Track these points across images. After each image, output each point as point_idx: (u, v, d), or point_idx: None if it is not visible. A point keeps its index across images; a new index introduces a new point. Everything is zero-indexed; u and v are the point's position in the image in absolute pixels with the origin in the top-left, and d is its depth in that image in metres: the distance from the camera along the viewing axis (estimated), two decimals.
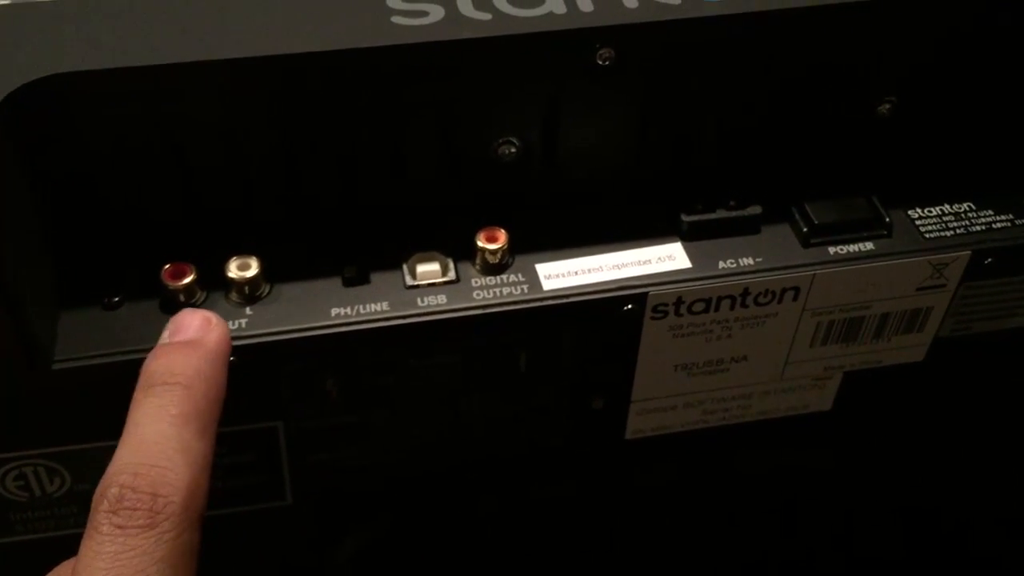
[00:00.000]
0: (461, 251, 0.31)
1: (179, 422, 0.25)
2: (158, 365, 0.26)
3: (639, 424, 0.35)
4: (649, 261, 0.32)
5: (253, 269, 0.30)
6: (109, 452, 0.25)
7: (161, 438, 0.25)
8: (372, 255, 0.31)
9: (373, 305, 0.30)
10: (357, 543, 0.37)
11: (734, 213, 0.32)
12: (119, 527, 0.23)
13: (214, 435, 0.26)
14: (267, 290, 0.30)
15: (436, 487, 0.36)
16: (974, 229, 0.33)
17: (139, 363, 0.28)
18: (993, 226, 0.33)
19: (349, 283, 0.30)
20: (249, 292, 0.30)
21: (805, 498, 0.40)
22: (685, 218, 0.32)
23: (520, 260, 0.31)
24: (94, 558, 0.23)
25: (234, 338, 0.29)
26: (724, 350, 0.33)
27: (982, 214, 0.33)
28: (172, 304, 0.29)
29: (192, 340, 0.27)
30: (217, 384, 0.27)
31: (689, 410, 0.35)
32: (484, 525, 0.38)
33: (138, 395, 0.26)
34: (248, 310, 0.30)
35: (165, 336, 0.28)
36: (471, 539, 0.38)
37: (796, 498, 0.40)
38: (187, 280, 0.29)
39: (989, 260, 0.32)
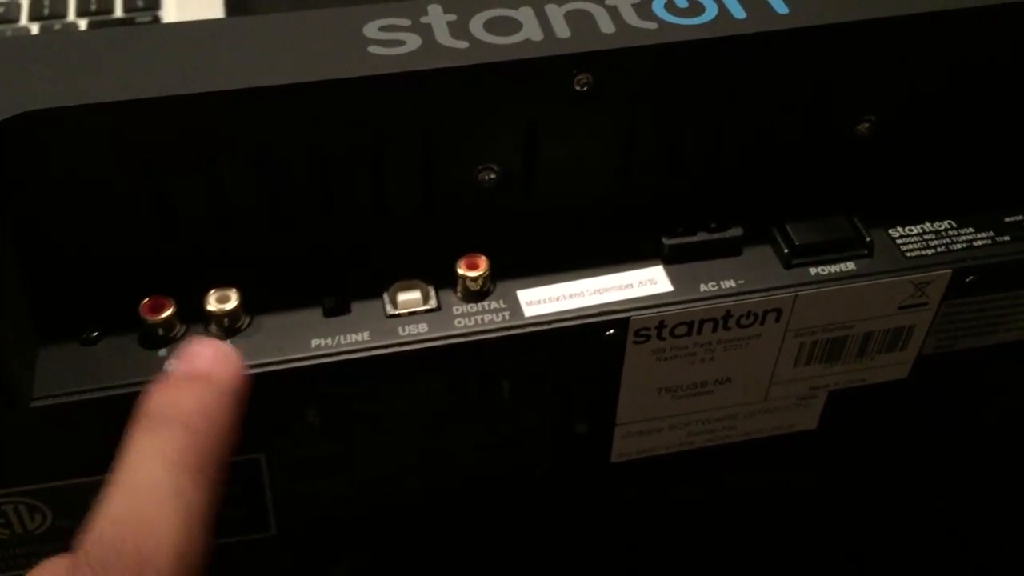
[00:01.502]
0: (442, 279, 0.31)
1: (176, 468, 0.23)
2: (160, 399, 0.24)
3: (624, 447, 0.35)
4: (631, 285, 0.32)
5: (232, 301, 0.29)
6: (90, 488, 0.23)
7: (154, 484, 0.22)
8: (353, 285, 0.31)
9: (354, 335, 0.30)
10: (343, 572, 0.37)
11: (715, 235, 0.32)
12: None
13: (216, 484, 0.23)
14: (247, 322, 0.30)
15: (421, 515, 0.35)
16: (955, 247, 0.33)
17: (119, 400, 0.27)
18: (974, 244, 0.33)
19: (330, 313, 0.30)
20: (229, 324, 0.29)
21: (792, 517, 0.40)
22: (666, 241, 0.32)
23: (502, 286, 0.31)
24: None
25: None
26: (708, 372, 0.33)
27: (963, 232, 0.33)
28: (151, 339, 0.29)
29: (201, 373, 0.25)
30: (224, 426, 0.24)
31: (674, 432, 0.35)
32: (470, 551, 0.38)
33: (134, 431, 0.24)
34: (228, 343, 0.29)
35: (172, 366, 0.25)
36: (458, 566, 0.38)
37: (783, 517, 0.39)
38: (166, 314, 0.29)
39: (970, 278, 0.32)
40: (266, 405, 0.30)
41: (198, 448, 0.23)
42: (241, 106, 0.27)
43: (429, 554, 0.38)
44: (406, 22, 0.30)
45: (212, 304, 0.29)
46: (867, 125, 0.33)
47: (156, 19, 0.57)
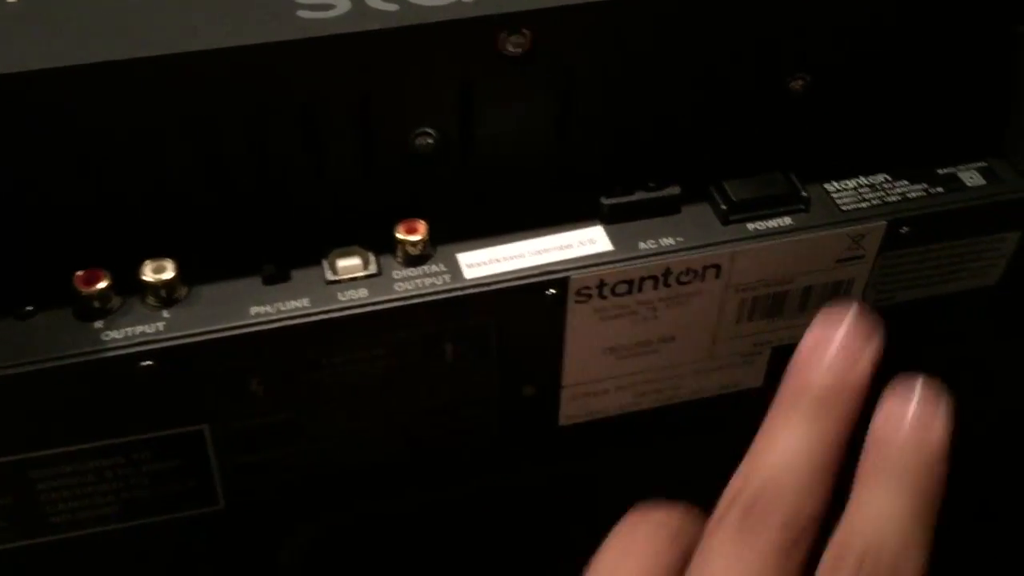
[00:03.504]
0: (383, 244, 0.31)
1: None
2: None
3: (572, 410, 0.35)
4: (571, 245, 0.32)
5: (169, 272, 0.29)
6: (28, 464, 0.24)
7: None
8: (293, 252, 0.31)
9: (293, 302, 0.30)
10: (297, 544, 0.37)
11: (653, 194, 0.33)
12: None
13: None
14: (185, 292, 0.30)
15: (374, 483, 0.35)
16: (889, 199, 0.33)
17: (56, 372, 0.27)
18: (908, 196, 0.33)
19: (269, 281, 0.30)
20: (166, 295, 0.29)
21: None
22: (605, 201, 0.32)
23: (442, 250, 0.31)
24: None
25: (152, 342, 0.28)
26: (651, 331, 0.33)
27: (897, 185, 0.34)
28: (87, 311, 0.29)
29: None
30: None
31: (621, 393, 0.35)
32: (423, 518, 0.38)
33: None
34: (165, 313, 0.29)
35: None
36: (410, 532, 0.38)
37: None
38: (101, 285, 0.29)
39: (905, 229, 0.33)
40: (207, 375, 0.30)
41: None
42: (167, 72, 0.27)
43: (384, 523, 0.38)
44: None
45: (148, 275, 0.29)
46: (801, 83, 0.33)
47: None
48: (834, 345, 0.26)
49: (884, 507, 0.25)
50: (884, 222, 0.33)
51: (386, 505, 0.37)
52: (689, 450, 0.39)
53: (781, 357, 0.36)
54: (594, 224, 0.32)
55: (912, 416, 0.26)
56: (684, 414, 0.37)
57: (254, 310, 0.29)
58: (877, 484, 0.25)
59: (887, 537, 0.24)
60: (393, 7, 0.29)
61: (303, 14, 0.28)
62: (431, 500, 0.37)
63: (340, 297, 0.30)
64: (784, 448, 0.25)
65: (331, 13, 0.28)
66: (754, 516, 0.24)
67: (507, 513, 0.39)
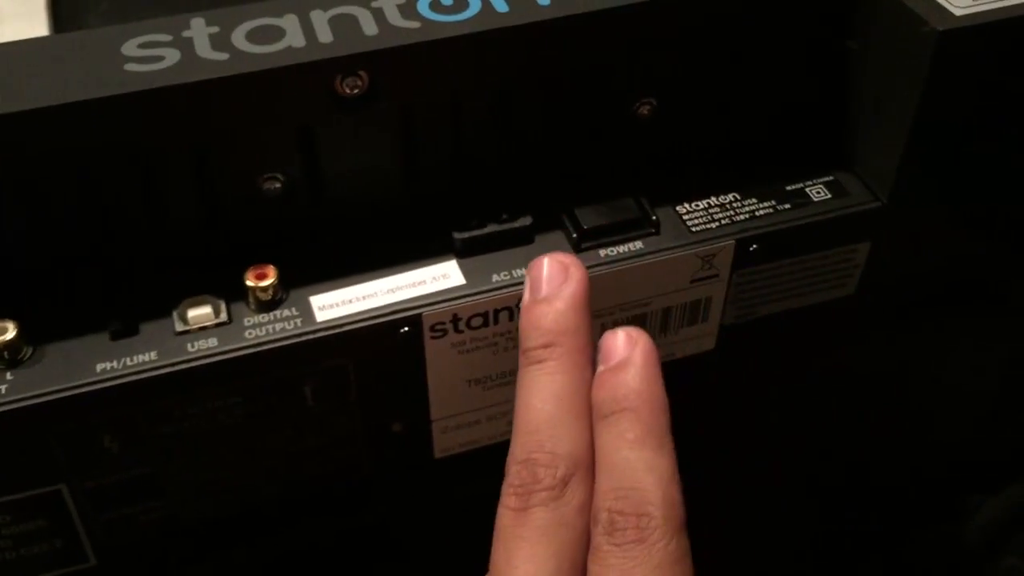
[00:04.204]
0: (235, 292, 0.31)
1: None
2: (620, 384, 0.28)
3: (445, 443, 0.35)
4: (424, 282, 0.32)
5: (10, 332, 0.29)
6: None
7: (626, 464, 0.27)
8: (142, 305, 0.31)
9: (141, 356, 0.29)
10: None
11: (505, 226, 0.33)
12: (616, 545, 0.26)
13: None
14: (29, 352, 0.29)
15: (248, 525, 0.35)
16: (738, 218, 0.34)
17: None
18: (756, 214, 0.34)
19: (116, 336, 0.30)
20: (8, 356, 0.29)
21: None
22: (457, 236, 0.33)
23: (295, 294, 0.31)
24: (602, 572, 0.26)
25: None
26: (514, 361, 0.34)
27: (746, 203, 0.34)
28: None
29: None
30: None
31: (494, 423, 0.36)
32: (305, 558, 0.38)
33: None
34: (9, 375, 0.29)
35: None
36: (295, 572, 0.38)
37: None
38: None
39: (754, 246, 0.34)
40: (58, 434, 0.30)
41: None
42: None
43: (264, 565, 0.37)
44: (167, 37, 0.29)
45: None
46: (648, 107, 0.34)
47: None
48: (528, 303, 0.29)
49: (611, 449, 0.27)
50: (733, 241, 0.33)
51: (265, 547, 0.36)
52: None
53: None
54: (448, 259, 0.33)
55: (607, 353, 0.29)
56: None
57: (100, 366, 0.29)
58: (602, 429, 0.28)
59: (622, 477, 0.27)
60: (223, 56, 0.29)
61: (131, 67, 0.28)
62: (309, 542, 0.37)
63: (189, 348, 0.30)
64: (531, 405, 0.28)
65: (159, 65, 0.28)
66: (521, 484, 0.27)
67: (389, 547, 0.39)
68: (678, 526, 0.26)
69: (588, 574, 0.26)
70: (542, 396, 0.28)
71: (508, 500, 0.27)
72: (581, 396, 0.28)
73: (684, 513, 0.27)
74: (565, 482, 0.27)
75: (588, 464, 0.27)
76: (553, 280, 0.29)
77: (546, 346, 0.28)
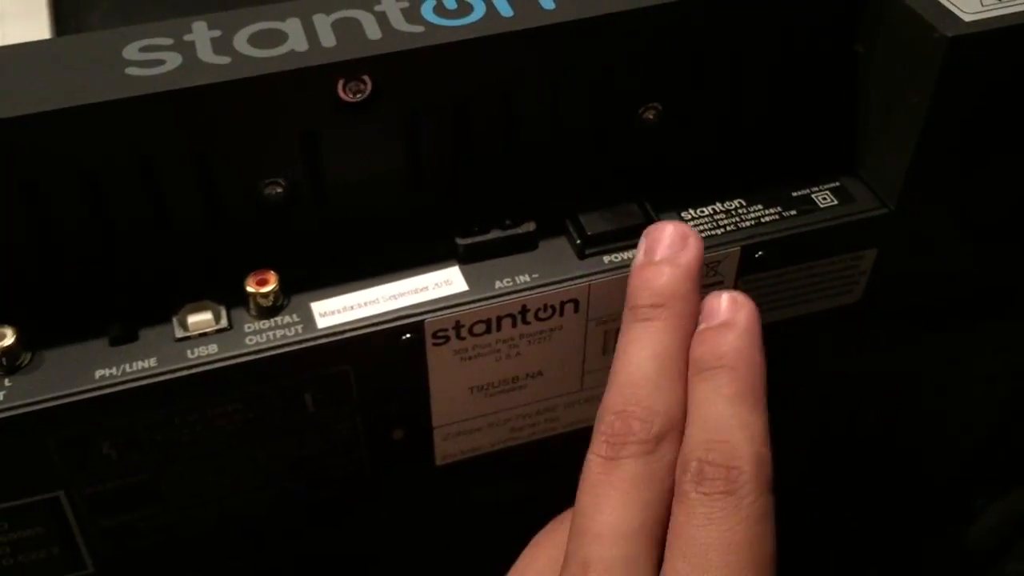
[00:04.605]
0: (237, 298, 0.31)
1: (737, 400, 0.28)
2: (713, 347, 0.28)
3: (447, 449, 0.35)
4: (426, 288, 0.32)
5: (9, 338, 0.29)
6: None
7: (720, 417, 0.27)
8: (141, 311, 0.30)
9: (140, 362, 0.29)
10: None
11: (509, 232, 0.33)
12: (704, 494, 0.26)
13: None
14: (28, 358, 0.29)
15: (249, 535, 0.35)
16: (744, 225, 0.34)
17: None
18: (762, 220, 0.34)
19: (116, 342, 0.30)
20: (7, 363, 0.29)
21: None
22: (460, 242, 0.32)
23: (296, 300, 0.31)
24: (687, 520, 0.26)
25: None
26: (517, 367, 0.33)
27: (752, 210, 0.34)
28: None
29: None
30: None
31: (495, 430, 0.35)
32: (309, 567, 0.38)
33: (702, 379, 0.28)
34: (7, 381, 0.29)
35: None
36: None
37: None
38: None
39: (760, 253, 0.33)
40: (57, 441, 0.29)
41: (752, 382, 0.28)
42: None
43: (265, 573, 0.37)
44: (168, 41, 0.29)
45: None
46: (653, 113, 0.34)
47: None
48: (643, 263, 0.30)
49: (706, 403, 0.28)
50: (738, 248, 0.33)
51: (266, 556, 0.36)
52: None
53: None
54: (451, 265, 0.32)
55: (711, 313, 0.29)
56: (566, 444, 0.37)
57: (99, 373, 0.29)
58: (698, 383, 0.28)
59: (716, 429, 0.27)
60: (225, 60, 0.28)
61: (132, 71, 0.28)
62: (309, 551, 0.36)
63: (189, 355, 0.29)
64: (633, 359, 0.29)
65: (161, 69, 0.28)
66: (615, 434, 0.28)
67: (390, 554, 0.38)
68: (766, 485, 0.27)
69: (672, 521, 0.27)
70: (645, 353, 0.29)
71: (599, 448, 0.28)
72: (683, 359, 0.29)
73: (772, 474, 0.27)
74: (659, 439, 0.27)
75: (680, 426, 0.28)
76: (673, 245, 0.30)
77: (655, 306, 0.29)
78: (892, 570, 0.55)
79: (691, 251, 0.30)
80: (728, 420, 0.27)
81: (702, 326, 0.29)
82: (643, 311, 0.29)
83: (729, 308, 0.29)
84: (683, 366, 0.29)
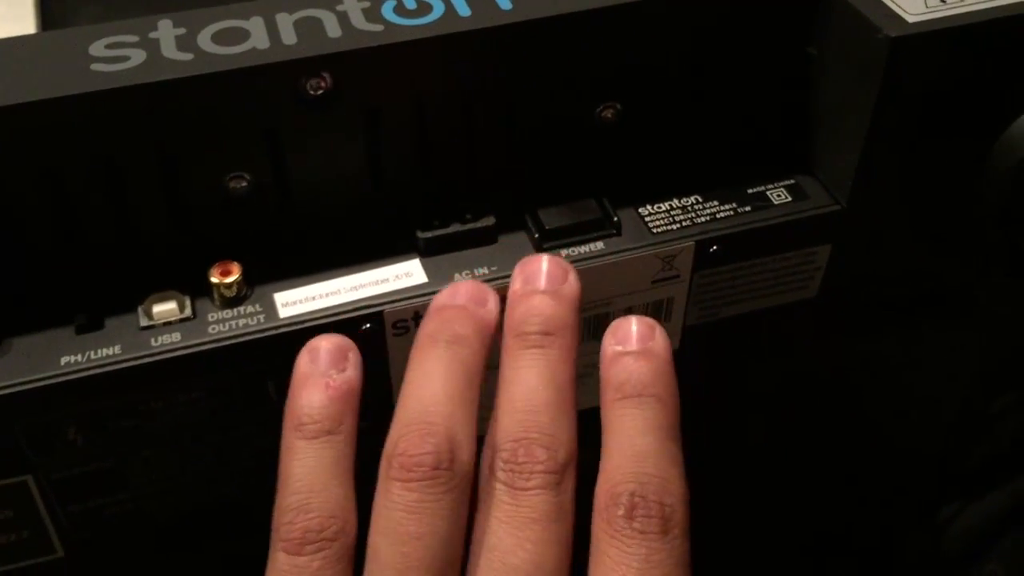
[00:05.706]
0: (200, 288, 0.32)
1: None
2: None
3: None
4: (387, 280, 0.32)
5: None
6: None
7: (651, 450, 0.26)
8: (107, 300, 0.31)
9: (105, 350, 0.30)
10: None
11: (469, 226, 0.33)
12: (640, 531, 0.25)
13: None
14: None
15: (217, 521, 0.36)
16: (699, 220, 0.34)
17: None
18: (717, 216, 0.35)
19: (81, 330, 0.30)
20: None
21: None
22: (421, 235, 0.33)
23: (259, 291, 0.32)
24: (622, 560, 0.25)
25: None
26: None
27: (707, 205, 0.35)
28: None
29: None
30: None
31: None
32: None
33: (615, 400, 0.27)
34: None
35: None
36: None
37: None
38: None
39: (714, 248, 0.34)
40: (23, 426, 0.30)
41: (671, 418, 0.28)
42: None
43: (233, 560, 0.38)
44: (133, 38, 0.30)
45: None
46: (611, 111, 0.35)
47: None
48: (527, 292, 0.30)
49: (635, 432, 0.27)
50: (692, 242, 0.34)
51: (235, 543, 0.37)
52: None
53: None
54: (412, 258, 0.33)
55: (624, 337, 0.29)
56: None
57: (64, 360, 0.30)
58: (624, 409, 0.27)
59: (646, 463, 0.26)
60: (187, 56, 0.29)
61: (97, 67, 0.29)
62: None
63: (152, 343, 0.30)
64: (530, 385, 0.28)
65: (125, 65, 0.29)
66: (519, 463, 0.26)
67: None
68: (687, 527, 0.26)
69: (601, 555, 0.25)
70: (543, 379, 0.27)
71: (501, 475, 0.26)
72: (575, 389, 0.28)
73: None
74: (565, 468, 0.26)
75: (577, 458, 0.27)
76: (554, 277, 0.30)
77: (547, 334, 0.28)
78: (868, 571, 0.56)
79: (574, 284, 0.30)
80: (661, 454, 0.26)
81: (616, 348, 0.28)
82: (534, 338, 0.28)
83: (647, 333, 0.28)
84: (575, 397, 0.28)
